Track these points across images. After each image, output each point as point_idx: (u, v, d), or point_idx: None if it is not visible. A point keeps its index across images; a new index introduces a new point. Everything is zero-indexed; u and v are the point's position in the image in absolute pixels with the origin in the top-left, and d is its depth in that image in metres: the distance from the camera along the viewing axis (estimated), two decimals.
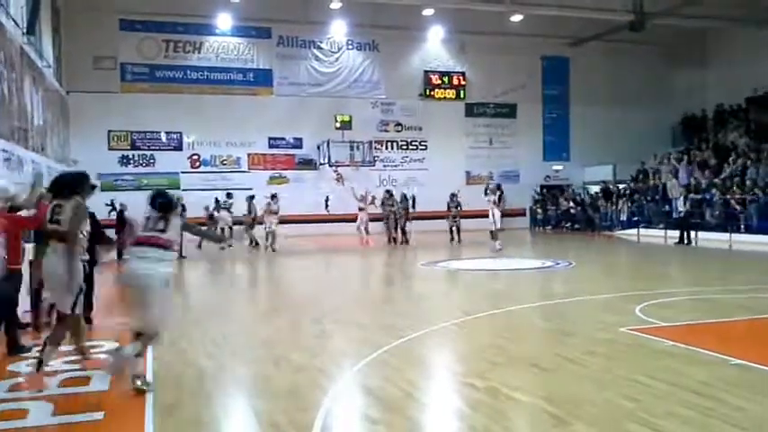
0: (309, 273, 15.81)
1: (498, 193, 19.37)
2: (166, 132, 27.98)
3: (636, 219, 25.92)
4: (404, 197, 23.80)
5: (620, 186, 28.73)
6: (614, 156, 30.67)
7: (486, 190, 19.84)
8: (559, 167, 32.80)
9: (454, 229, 23.39)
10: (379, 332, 8.16)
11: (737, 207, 21.46)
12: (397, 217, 23.09)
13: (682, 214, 20.86)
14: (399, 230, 23.15)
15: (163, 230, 5.83)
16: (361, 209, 22.33)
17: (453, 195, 23.78)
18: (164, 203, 5.98)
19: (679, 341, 7.03)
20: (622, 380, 5.80)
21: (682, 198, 21.10)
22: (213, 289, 13.85)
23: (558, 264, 15.35)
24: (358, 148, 28.10)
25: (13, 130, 15.73)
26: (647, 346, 7.04)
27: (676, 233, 21.78)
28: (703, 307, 9.51)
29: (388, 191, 23.48)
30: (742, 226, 21.08)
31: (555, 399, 5.29)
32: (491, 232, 17.35)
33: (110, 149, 27.40)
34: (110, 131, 27.36)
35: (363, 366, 6.45)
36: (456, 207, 23.78)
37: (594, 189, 31.31)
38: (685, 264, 16.64)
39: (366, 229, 21.99)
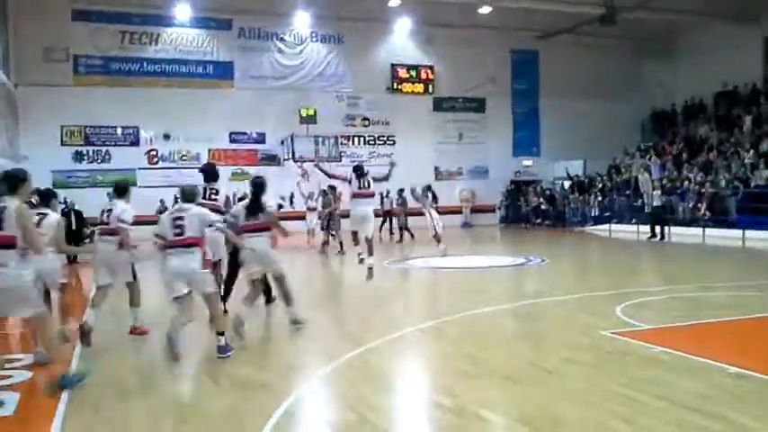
0: None
1: (430, 194, 17.77)
2: (122, 127, 26.78)
3: (607, 214, 25.42)
4: (400, 193, 22.95)
5: (595, 177, 28.10)
6: (585, 150, 30.17)
7: (413, 193, 16.97)
8: (529, 163, 32.27)
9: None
10: (336, 340, 7.39)
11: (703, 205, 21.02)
12: (394, 215, 23.14)
13: (653, 208, 20.28)
14: (399, 229, 22.90)
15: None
16: (310, 208, 21.41)
17: (401, 191, 22.83)
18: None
19: (668, 346, 6.35)
20: (609, 394, 5.07)
21: (655, 192, 20.55)
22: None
23: (529, 260, 14.67)
24: (323, 142, 27.15)
25: None
26: (633, 353, 6.34)
27: (647, 228, 21.40)
28: (686, 306, 8.86)
29: (331, 186, 19.80)
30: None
31: (532, 418, 4.56)
32: (434, 236, 15.90)
33: (63, 145, 26.12)
34: (63, 126, 26.08)
35: (315, 382, 5.64)
36: (401, 204, 22.74)
37: (566, 183, 30.86)
38: (661, 260, 16.08)
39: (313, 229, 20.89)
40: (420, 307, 9.64)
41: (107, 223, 7.45)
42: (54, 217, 6.73)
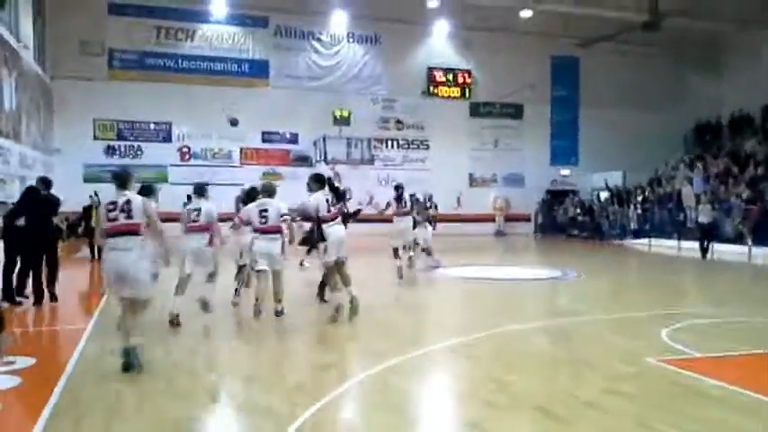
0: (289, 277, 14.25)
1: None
2: (155, 123, 26.65)
3: (647, 228, 24.46)
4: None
5: (636, 189, 27.01)
6: (624, 162, 29.17)
7: (412, 203, 13.98)
8: (567, 172, 31.38)
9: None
10: (353, 357, 6.83)
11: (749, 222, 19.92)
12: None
13: (704, 224, 19.03)
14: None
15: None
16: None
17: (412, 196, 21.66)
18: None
19: (722, 379, 5.63)
20: None
21: (703, 207, 19.38)
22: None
23: (565, 274, 13.93)
24: (356, 145, 26.76)
25: None
26: (685, 385, 5.64)
27: (689, 244, 20.49)
28: (740, 332, 8.08)
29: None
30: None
31: None
32: (424, 249, 14.67)
33: (95, 139, 26.10)
34: (95, 120, 26.05)
35: (324, 406, 5.04)
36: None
37: (604, 195, 29.93)
38: (707, 279, 15.13)
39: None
40: (447, 321, 8.97)
41: (196, 221, 8.32)
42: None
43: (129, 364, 5.81)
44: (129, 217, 6.02)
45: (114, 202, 6.11)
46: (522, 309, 10.18)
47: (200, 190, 8.72)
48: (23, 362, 6.14)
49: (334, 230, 8.37)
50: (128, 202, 6.06)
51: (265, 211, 8.37)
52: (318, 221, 8.38)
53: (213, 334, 7.82)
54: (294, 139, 27.91)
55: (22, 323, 8.51)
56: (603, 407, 5.04)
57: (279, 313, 8.40)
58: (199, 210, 8.37)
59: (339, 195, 8.63)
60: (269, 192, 8.70)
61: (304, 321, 8.51)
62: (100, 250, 14.27)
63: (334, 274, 8.49)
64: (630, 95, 30.07)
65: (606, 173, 29.76)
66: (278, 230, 8.39)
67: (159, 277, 7.25)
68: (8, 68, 17.76)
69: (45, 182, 10.45)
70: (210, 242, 8.33)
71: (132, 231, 6.03)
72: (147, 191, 7.91)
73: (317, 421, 4.72)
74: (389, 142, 28.96)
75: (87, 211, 15.92)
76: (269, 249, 8.34)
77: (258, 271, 8.41)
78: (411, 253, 14.34)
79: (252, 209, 8.55)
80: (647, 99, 30.24)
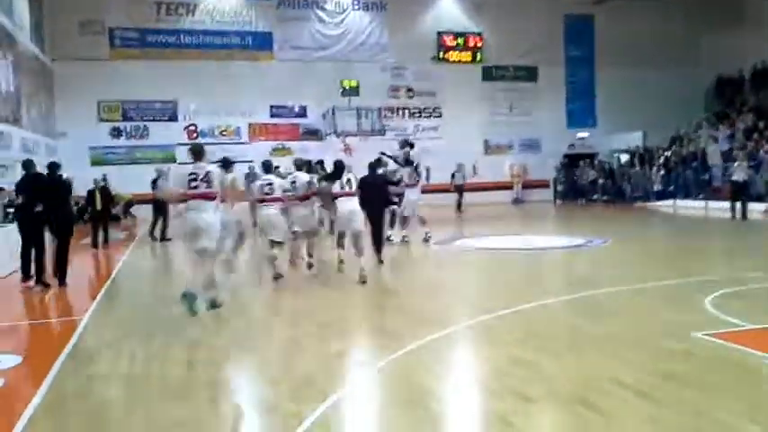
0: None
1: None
2: (160, 102, 25.99)
3: (671, 189, 23.58)
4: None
5: (658, 149, 25.99)
6: (644, 122, 28.11)
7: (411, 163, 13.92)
8: (584, 135, 30.39)
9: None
10: (368, 340, 6.21)
11: None
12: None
13: (738, 182, 17.61)
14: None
15: None
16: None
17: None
18: None
19: None
20: (726, 429, 3.76)
21: (740, 163, 17.98)
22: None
23: (591, 241, 13.19)
24: (366, 116, 25.84)
25: None
26: (742, 364, 4.99)
27: (717, 204, 19.64)
28: None
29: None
30: None
31: None
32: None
33: (100, 121, 25.50)
34: (99, 102, 25.42)
35: (337, 402, 4.44)
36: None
37: (624, 157, 29.01)
38: (745, 240, 14.21)
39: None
40: (469, 298, 8.32)
41: (268, 194, 9.29)
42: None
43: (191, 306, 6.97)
44: (209, 186, 7.15)
45: (195, 173, 7.17)
46: (549, 281, 9.53)
47: (267, 166, 9.94)
48: (9, 360, 5.62)
49: (343, 205, 9.31)
50: (207, 173, 7.18)
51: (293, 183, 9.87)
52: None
53: (220, 324, 7.22)
54: (303, 112, 27.18)
55: (12, 315, 7.98)
56: (654, 395, 4.38)
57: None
58: (271, 184, 9.34)
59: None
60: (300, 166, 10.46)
61: (317, 303, 7.94)
62: (106, 238, 13.80)
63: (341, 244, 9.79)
64: (648, 52, 28.88)
65: (625, 134, 28.82)
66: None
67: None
68: (3, 51, 17.17)
69: (55, 166, 10.46)
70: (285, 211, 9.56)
71: (209, 197, 7.19)
72: (269, 168, 9.85)
73: (329, 417, 4.12)
74: (400, 111, 28.15)
75: (91, 195, 15.30)
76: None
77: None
78: (404, 232, 13.56)
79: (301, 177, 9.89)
80: (665, 55, 29.06)
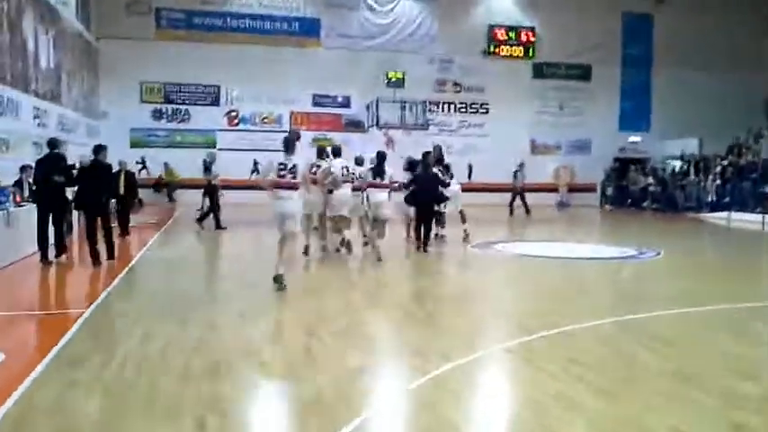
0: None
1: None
2: (203, 85, 25.70)
3: (726, 200, 22.31)
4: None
5: (718, 159, 24.59)
6: (699, 128, 26.77)
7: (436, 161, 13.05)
8: (637, 139, 29.18)
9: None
10: (392, 362, 5.51)
11: None
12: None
13: None
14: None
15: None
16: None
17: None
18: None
19: None
20: None
21: None
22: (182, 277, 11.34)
23: (642, 253, 12.27)
24: (410, 108, 25.09)
25: None
26: None
27: None
28: None
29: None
30: None
31: None
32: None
33: (142, 102, 25.35)
34: (142, 83, 25.28)
35: None
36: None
37: (675, 164, 27.72)
38: None
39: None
40: (507, 313, 7.51)
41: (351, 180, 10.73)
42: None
43: (281, 284, 7.89)
44: (294, 177, 8.06)
45: (284, 164, 8.04)
46: (595, 297, 8.68)
47: (336, 151, 11.27)
48: None
49: (339, 193, 10.56)
50: (294, 166, 8.06)
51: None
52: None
53: (227, 326, 6.63)
54: (346, 102, 26.62)
55: (13, 303, 7.51)
56: None
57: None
58: (347, 167, 10.73)
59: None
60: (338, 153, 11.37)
61: (337, 305, 7.31)
62: (127, 225, 13.23)
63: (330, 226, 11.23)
64: (708, 55, 27.53)
65: (680, 140, 27.55)
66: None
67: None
68: (45, 26, 16.90)
69: (99, 149, 10.60)
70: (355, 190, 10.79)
71: (294, 187, 8.14)
72: (337, 152, 11.19)
73: None
74: (446, 106, 27.38)
75: (114, 178, 14.69)
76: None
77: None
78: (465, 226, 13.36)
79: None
80: (726, 59, 27.66)
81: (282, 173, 7.97)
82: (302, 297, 8.06)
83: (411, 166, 12.72)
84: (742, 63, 27.77)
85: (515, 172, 22.16)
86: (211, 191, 15.59)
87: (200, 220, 15.69)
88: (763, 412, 4.31)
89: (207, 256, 12.90)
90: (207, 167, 15.74)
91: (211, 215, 15.56)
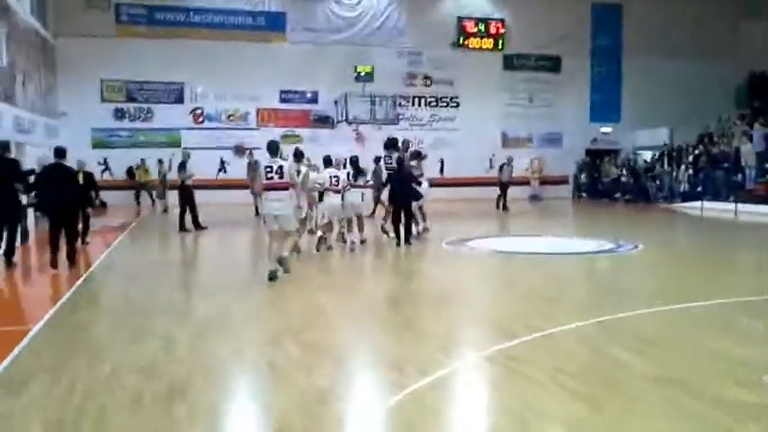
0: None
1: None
2: (166, 83, 24.97)
3: (698, 190, 22.25)
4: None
5: (690, 148, 24.54)
6: (670, 118, 26.75)
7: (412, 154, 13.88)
8: (608, 130, 29.08)
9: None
10: (366, 377, 5.09)
11: None
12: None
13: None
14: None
15: None
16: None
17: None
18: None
19: None
20: None
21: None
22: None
23: (619, 246, 12.02)
24: (380, 103, 24.73)
25: None
26: None
27: (748, 207, 18.56)
28: None
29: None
30: None
31: None
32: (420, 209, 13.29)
33: (103, 101, 24.54)
34: (103, 81, 24.47)
35: None
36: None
37: (646, 155, 27.71)
38: None
39: None
40: (485, 315, 7.11)
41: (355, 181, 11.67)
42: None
43: (273, 277, 8.45)
44: (281, 177, 8.49)
45: (270, 166, 8.51)
46: (577, 295, 8.34)
47: (354, 164, 11.88)
48: None
49: (327, 198, 11.24)
50: (281, 167, 8.53)
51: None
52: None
53: (188, 341, 6.16)
54: (314, 98, 26.07)
55: None
56: None
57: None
58: (338, 177, 11.27)
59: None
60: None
61: (308, 311, 6.88)
62: (86, 230, 12.47)
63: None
64: (678, 43, 27.50)
65: (650, 130, 27.53)
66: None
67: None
68: None
69: (59, 152, 10.34)
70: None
71: (283, 187, 8.56)
72: (356, 165, 11.88)
73: None
74: (416, 100, 26.95)
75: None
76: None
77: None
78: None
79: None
80: (696, 47, 27.65)
81: (270, 175, 8.48)
82: (269, 304, 7.63)
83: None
84: (712, 51, 27.85)
85: (503, 165, 21.74)
86: (186, 191, 15.02)
87: (182, 224, 15.06)
88: (761, 419, 3.98)
89: (171, 260, 12.32)
90: (182, 166, 15.12)
91: (180, 215, 15.05)
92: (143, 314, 6.98)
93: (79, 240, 11.58)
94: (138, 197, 23.86)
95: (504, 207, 20.76)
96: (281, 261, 8.69)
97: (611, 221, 18.92)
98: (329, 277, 9.58)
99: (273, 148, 8.71)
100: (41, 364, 5.20)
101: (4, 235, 10.07)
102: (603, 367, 5.16)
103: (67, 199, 10.10)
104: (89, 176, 12.17)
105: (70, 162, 10.82)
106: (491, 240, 13.20)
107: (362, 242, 11.98)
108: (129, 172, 24.22)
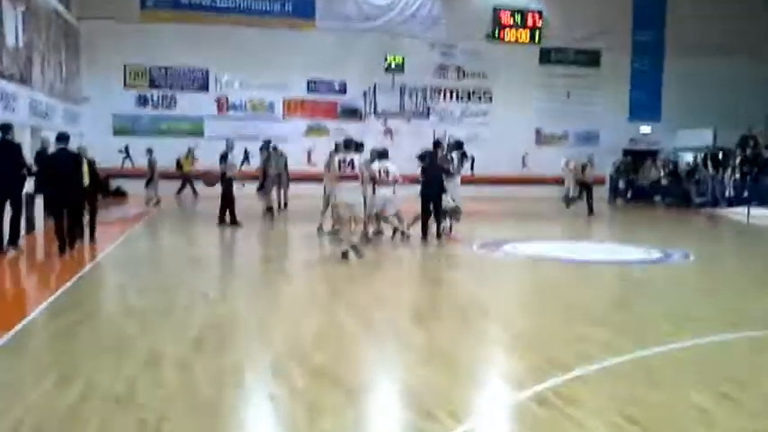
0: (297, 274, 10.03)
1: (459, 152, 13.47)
2: (190, 70, 24.24)
3: (745, 194, 20.91)
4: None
5: (737, 151, 23.15)
6: (713, 118, 25.35)
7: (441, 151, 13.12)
8: (647, 129, 27.76)
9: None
10: (379, 422, 4.12)
11: None
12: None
13: None
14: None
15: None
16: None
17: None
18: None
19: None
20: None
21: None
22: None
23: (669, 256, 10.90)
24: (410, 96, 23.77)
25: None
26: None
27: None
28: None
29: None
30: None
31: None
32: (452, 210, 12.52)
33: (126, 87, 23.88)
34: (126, 66, 23.82)
35: None
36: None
37: (687, 157, 26.34)
38: None
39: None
40: (522, 340, 5.95)
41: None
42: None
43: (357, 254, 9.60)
44: (353, 169, 9.68)
45: (343, 159, 9.73)
46: (631, 315, 7.19)
47: (382, 154, 11.64)
48: None
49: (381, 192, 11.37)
50: (352, 160, 9.69)
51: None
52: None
53: (167, 368, 5.27)
54: (342, 88, 25.15)
55: None
56: None
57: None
58: (387, 170, 11.36)
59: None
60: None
61: (312, 327, 5.95)
62: (93, 226, 11.54)
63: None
64: (723, 41, 26.00)
65: (692, 130, 26.15)
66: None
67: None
68: (12, 1, 15.46)
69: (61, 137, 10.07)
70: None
71: (355, 177, 9.73)
72: (383, 155, 11.66)
73: None
74: (448, 93, 25.90)
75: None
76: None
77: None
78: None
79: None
80: (741, 45, 26.13)
81: (342, 165, 9.72)
82: (279, 315, 6.72)
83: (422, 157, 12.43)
84: (758, 50, 26.38)
85: (585, 165, 20.17)
86: (227, 184, 13.94)
87: (222, 217, 13.98)
88: None
89: (179, 258, 11.33)
90: (224, 157, 14.04)
91: (220, 209, 14.00)
92: (135, 321, 6.12)
93: (86, 234, 10.87)
94: (181, 188, 22.51)
95: (591, 210, 19.28)
96: (354, 247, 9.70)
97: (654, 226, 17.72)
98: (350, 284, 8.61)
99: (348, 145, 10.11)
100: (3, 379, 4.35)
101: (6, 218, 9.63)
102: (679, 416, 4.14)
103: (72, 187, 9.73)
104: (90, 165, 11.23)
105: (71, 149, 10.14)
106: (527, 245, 12.15)
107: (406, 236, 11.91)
108: (178, 162, 22.73)
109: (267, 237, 13.73)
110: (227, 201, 13.81)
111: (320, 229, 12.63)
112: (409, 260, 10.67)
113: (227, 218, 13.79)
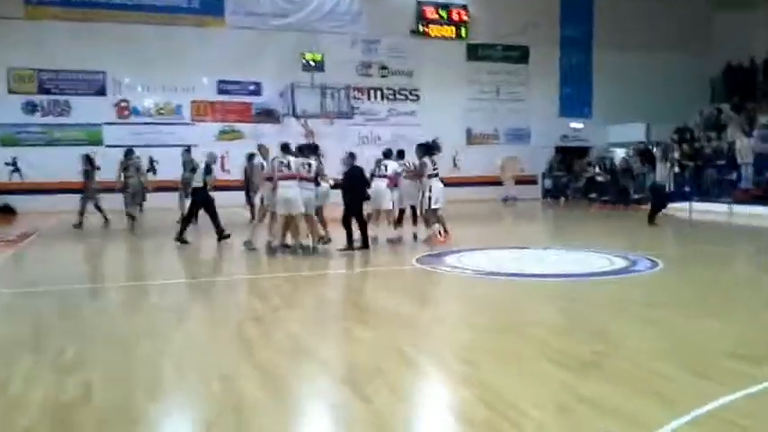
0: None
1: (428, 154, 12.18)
2: (85, 72, 21.83)
3: (686, 190, 20.07)
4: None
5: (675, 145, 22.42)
6: (644, 113, 24.76)
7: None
8: (579, 125, 26.93)
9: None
10: None
11: None
12: None
13: None
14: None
15: None
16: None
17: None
18: None
19: None
20: None
21: None
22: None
23: (634, 264, 9.44)
24: (332, 95, 21.99)
25: None
26: None
27: (743, 208, 16.77)
28: None
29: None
30: None
31: None
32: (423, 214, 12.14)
33: (10, 92, 21.36)
34: (10, 69, 21.26)
35: None
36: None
37: (620, 151, 25.63)
38: None
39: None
40: (497, 388, 4.42)
41: (385, 174, 11.80)
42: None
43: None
44: (289, 169, 10.51)
45: (281, 161, 10.61)
46: (625, 350, 5.60)
47: (387, 154, 12.22)
48: None
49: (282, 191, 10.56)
50: (289, 162, 10.57)
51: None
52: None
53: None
54: (257, 89, 23.28)
55: None
56: None
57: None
58: (387, 166, 11.81)
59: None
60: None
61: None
62: None
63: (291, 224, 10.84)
64: (652, 35, 25.63)
65: (624, 125, 25.46)
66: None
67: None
68: None
69: None
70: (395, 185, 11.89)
71: (293, 177, 10.47)
72: (389, 154, 12.27)
73: None
74: (372, 92, 24.36)
75: None
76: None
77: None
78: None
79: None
80: (670, 39, 25.89)
81: (281, 167, 10.46)
82: (191, 341, 4.81)
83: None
84: (686, 44, 26.09)
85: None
86: (208, 198, 12.44)
87: (182, 234, 12.40)
88: None
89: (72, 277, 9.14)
90: (208, 169, 12.50)
91: (213, 222, 12.65)
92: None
93: None
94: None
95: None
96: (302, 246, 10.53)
97: (603, 228, 16.50)
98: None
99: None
100: None
101: None
102: None
103: None
104: None
105: None
106: (471, 255, 10.54)
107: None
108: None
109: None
110: (212, 214, 12.48)
111: (249, 242, 11.36)
112: (330, 281, 8.85)
113: (215, 230, 12.58)
